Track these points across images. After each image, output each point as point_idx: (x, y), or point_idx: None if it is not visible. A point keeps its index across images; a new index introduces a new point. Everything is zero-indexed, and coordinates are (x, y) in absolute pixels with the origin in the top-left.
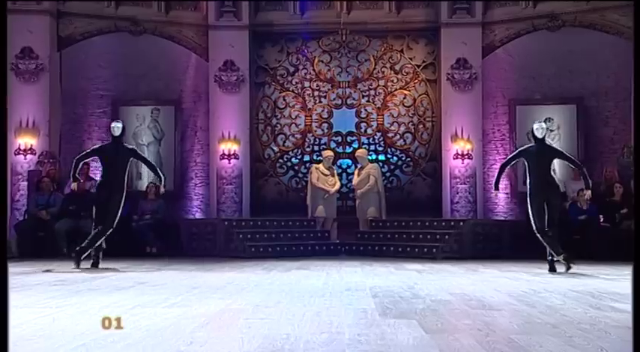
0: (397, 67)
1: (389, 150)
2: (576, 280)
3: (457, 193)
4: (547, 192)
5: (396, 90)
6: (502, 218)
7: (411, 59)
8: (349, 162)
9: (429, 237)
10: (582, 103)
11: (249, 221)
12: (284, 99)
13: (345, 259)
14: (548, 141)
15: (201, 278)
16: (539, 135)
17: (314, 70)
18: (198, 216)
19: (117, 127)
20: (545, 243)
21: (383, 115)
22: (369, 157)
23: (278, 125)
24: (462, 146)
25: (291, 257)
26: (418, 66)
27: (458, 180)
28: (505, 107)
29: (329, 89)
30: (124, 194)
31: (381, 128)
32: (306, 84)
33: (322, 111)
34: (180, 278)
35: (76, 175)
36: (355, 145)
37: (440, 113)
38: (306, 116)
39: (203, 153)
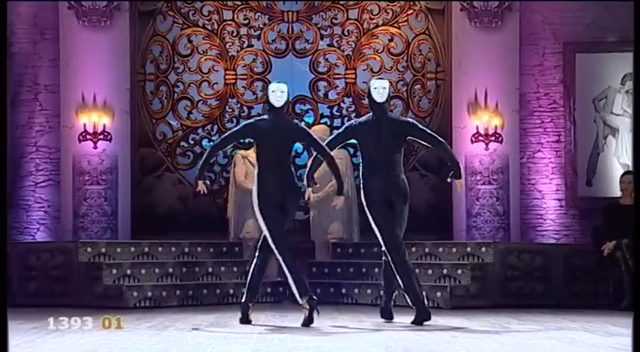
0: None
1: None
2: None
3: (477, 199)
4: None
5: (377, 27)
6: (552, 240)
7: None
8: (299, 147)
9: (430, 271)
10: None
11: (128, 246)
12: (189, 41)
13: (290, 308)
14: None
15: (43, 344)
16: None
17: None
18: (40, 237)
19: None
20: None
21: (355, 69)
22: None
23: (179, 84)
24: (485, 121)
25: (200, 306)
26: None
27: (479, 177)
28: (558, 56)
29: (265, 24)
30: None
31: (353, 90)
32: (227, 15)
33: (254, 61)
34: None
35: None
36: (310, 119)
37: (450, 66)
38: (226, 70)
39: (50, 130)
